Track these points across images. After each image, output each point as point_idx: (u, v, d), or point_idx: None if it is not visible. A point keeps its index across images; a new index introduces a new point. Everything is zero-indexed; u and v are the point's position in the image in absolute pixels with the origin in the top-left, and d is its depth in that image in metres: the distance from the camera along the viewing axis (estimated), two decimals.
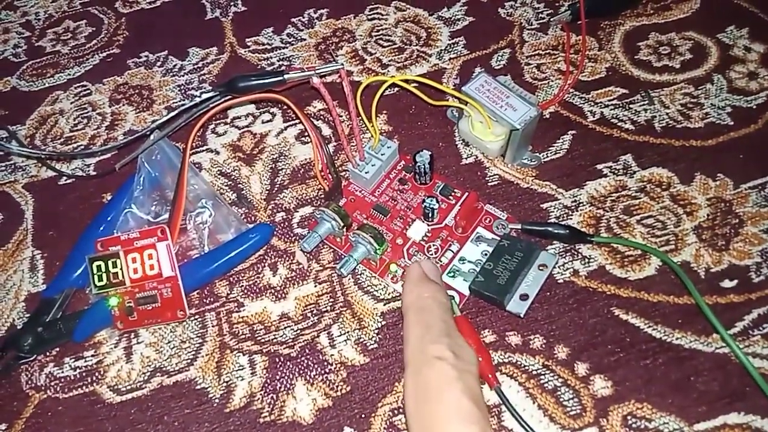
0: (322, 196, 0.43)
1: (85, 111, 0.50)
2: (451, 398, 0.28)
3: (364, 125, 0.43)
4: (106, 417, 0.35)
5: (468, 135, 0.44)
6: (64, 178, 0.46)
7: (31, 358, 0.37)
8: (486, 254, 0.38)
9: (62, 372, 0.37)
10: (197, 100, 0.43)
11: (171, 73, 0.52)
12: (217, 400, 0.35)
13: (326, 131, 0.47)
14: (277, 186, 0.44)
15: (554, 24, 0.52)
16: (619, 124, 0.45)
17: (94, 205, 0.44)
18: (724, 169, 0.42)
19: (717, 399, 0.33)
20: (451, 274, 0.38)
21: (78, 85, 0.52)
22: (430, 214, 0.39)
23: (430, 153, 0.40)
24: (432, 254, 0.39)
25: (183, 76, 0.52)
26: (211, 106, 0.43)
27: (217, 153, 0.46)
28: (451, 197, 0.41)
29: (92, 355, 0.37)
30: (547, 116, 0.46)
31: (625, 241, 0.39)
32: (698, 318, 0.35)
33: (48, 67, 0.54)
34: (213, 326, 0.38)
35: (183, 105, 0.44)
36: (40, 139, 0.49)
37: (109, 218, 0.41)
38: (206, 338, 0.38)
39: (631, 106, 0.46)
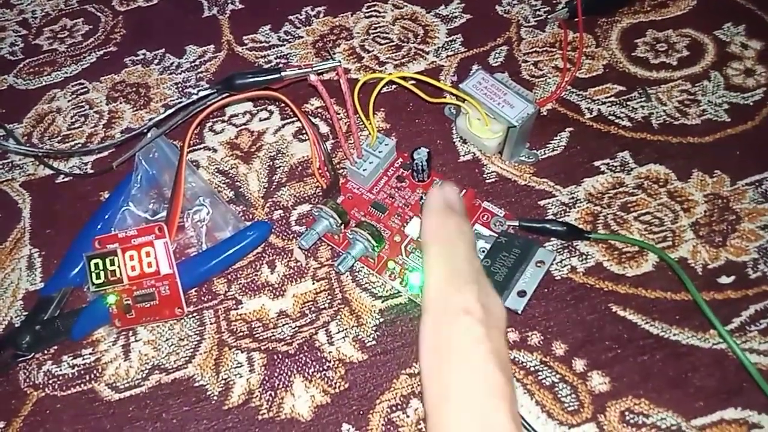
0: (320, 193, 0.43)
1: (83, 109, 0.50)
2: (478, 363, 0.24)
3: (361, 122, 0.43)
4: (104, 414, 0.35)
5: (465, 132, 0.44)
6: (62, 176, 0.46)
7: (29, 356, 0.37)
8: (484, 251, 0.38)
9: (60, 370, 0.37)
10: (194, 97, 0.43)
11: (168, 71, 0.52)
12: (215, 398, 0.35)
13: (324, 129, 0.47)
14: (275, 183, 0.44)
15: (551, 21, 0.52)
16: (617, 121, 0.45)
17: (92, 203, 0.44)
18: (721, 166, 0.42)
19: (714, 394, 0.33)
20: None
21: (75, 83, 0.52)
22: None
23: (427, 150, 0.40)
24: None
25: (180, 74, 0.52)
26: (208, 103, 0.43)
27: (215, 151, 0.46)
28: None
29: (90, 353, 0.37)
30: (545, 113, 0.46)
31: (623, 238, 0.39)
32: (695, 314, 0.35)
33: (45, 65, 0.54)
34: (211, 324, 0.38)
35: (180, 103, 0.44)
36: (38, 137, 0.49)
37: (106, 216, 0.41)
38: (204, 336, 0.38)
39: (628, 103, 0.46)
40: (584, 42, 0.50)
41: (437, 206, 0.30)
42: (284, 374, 0.36)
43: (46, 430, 0.35)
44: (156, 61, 0.53)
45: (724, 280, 0.37)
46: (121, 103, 0.50)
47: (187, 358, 0.37)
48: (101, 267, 0.36)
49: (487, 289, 0.28)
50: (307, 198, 0.43)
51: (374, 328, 0.37)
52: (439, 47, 0.51)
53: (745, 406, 0.32)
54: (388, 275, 0.38)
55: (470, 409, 0.23)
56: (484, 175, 0.43)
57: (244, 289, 0.39)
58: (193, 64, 0.52)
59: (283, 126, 0.47)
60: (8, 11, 0.60)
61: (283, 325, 0.38)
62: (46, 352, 0.38)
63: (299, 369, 0.36)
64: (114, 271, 0.36)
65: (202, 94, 0.43)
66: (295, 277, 0.39)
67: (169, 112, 0.43)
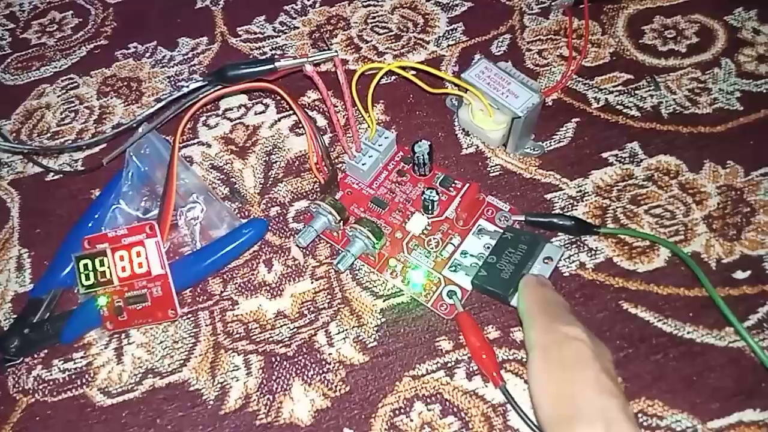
0: (318, 189, 0.42)
1: (72, 104, 0.49)
2: (590, 373, 0.27)
3: (360, 115, 0.42)
4: (96, 420, 0.34)
5: (468, 124, 0.43)
6: (51, 174, 0.45)
7: (18, 361, 0.36)
8: (489, 247, 0.37)
9: (51, 374, 0.36)
10: (186, 90, 0.42)
11: (160, 65, 0.51)
12: (211, 402, 0.34)
13: (321, 122, 0.46)
14: (271, 179, 0.43)
15: (556, 8, 0.51)
16: (625, 110, 0.44)
17: (82, 202, 0.43)
18: (734, 156, 0.41)
19: (731, 395, 0.32)
20: (453, 268, 0.37)
21: (65, 78, 0.51)
22: (430, 207, 0.38)
23: (429, 143, 0.39)
24: (432, 248, 0.37)
25: (173, 67, 0.51)
26: (200, 96, 0.42)
27: (209, 146, 0.45)
28: (451, 189, 0.40)
29: (82, 357, 0.36)
30: (550, 104, 0.45)
31: (633, 232, 0.38)
32: (710, 311, 0.34)
33: (33, 60, 0.53)
34: (206, 325, 0.37)
35: (171, 95, 0.42)
36: (26, 133, 0.48)
37: (97, 215, 0.40)
38: (199, 338, 0.37)
39: (636, 92, 0.45)
40: (590, 29, 0.49)
41: (533, 282, 0.33)
42: (283, 377, 0.35)
43: None
44: (148, 55, 0.52)
45: (740, 275, 0.36)
46: (112, 97, 0.49)
47: (182, 362, 0.36)
48: (90, 268, 0.35)
49: (591, 334, 0.30)
50: (304, 194, 0.42)
51: (375, 329, 0.36)
52: (439, 36, 0.50)
53: (765, 408, 0.31)
54: (390, 273, 0.37)
55: (593, 412, 0.26)
56: (488, 168, 0.42)
57: (240, 289, 0.38)
58: (185, 57, 0.51)
59: (279, 120, 0.46)
60: None
61: (281, 326, 0.37)
62: (35, 356, 0.37)
63: (298, 372, 0.35)
64: (104, 272, 0.35)
65: (193, 86, 0.42)
66: (293, 276, 0.38)
67: (160, 105, 0.42)
